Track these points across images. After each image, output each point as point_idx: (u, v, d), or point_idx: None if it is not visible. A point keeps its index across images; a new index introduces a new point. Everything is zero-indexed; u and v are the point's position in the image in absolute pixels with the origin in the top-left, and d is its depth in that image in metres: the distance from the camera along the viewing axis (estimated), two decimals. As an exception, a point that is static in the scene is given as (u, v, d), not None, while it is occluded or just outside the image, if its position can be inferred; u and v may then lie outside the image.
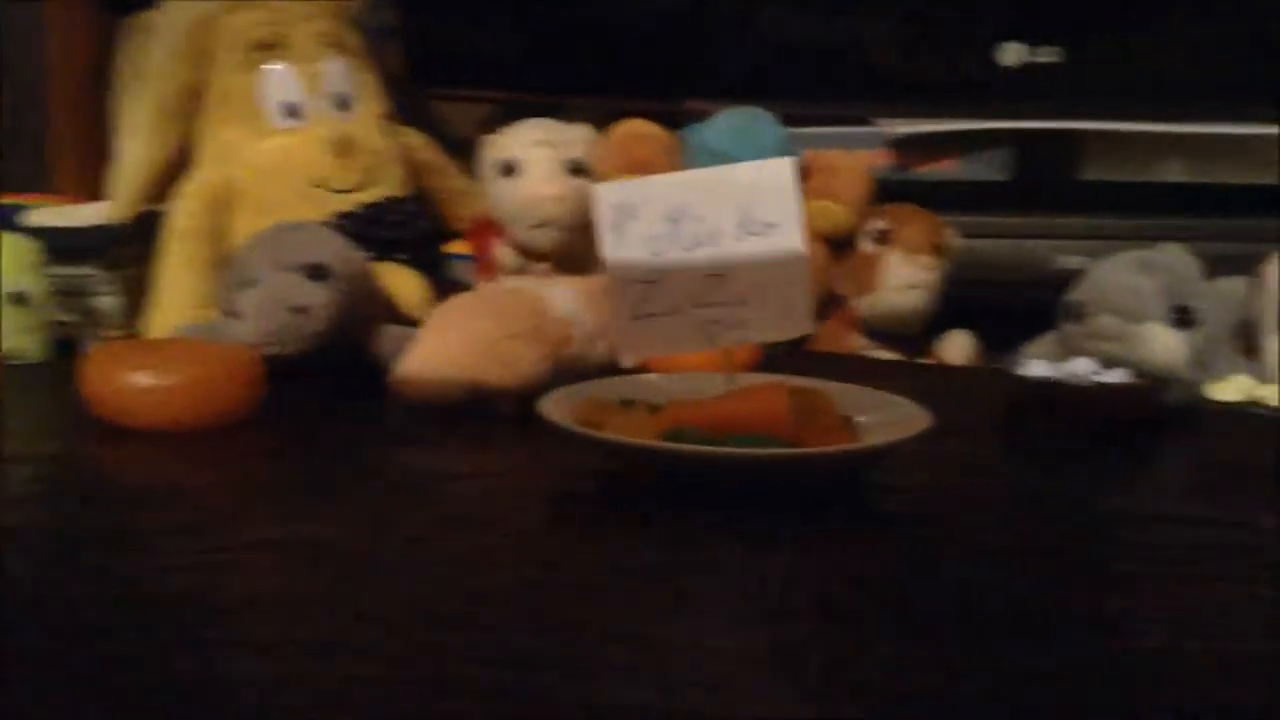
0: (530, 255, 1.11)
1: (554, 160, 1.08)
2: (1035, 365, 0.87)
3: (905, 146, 1.26)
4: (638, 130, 1.11)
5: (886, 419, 0.77)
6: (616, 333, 0.74)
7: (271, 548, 0.62)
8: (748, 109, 1.10)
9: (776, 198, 0.71)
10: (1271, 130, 1.22)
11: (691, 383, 0.81)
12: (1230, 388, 0.86)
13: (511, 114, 1.45)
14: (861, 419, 0.77)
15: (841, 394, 0.80)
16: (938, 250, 1.11)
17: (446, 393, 0.83)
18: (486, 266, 1.14)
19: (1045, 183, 1.31)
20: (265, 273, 0.90)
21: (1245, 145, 1.24)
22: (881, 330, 1.13)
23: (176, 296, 1.10)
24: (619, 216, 0.72)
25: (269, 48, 1.14)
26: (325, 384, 0.91)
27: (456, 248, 1.19)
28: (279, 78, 1.15)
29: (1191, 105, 1.26)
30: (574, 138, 1.10)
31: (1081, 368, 0.86)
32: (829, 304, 1.13)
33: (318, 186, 1.14)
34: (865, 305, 1.12)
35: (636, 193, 0.72)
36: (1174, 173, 1.30)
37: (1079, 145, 1.30)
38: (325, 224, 1.05)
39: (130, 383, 0.80)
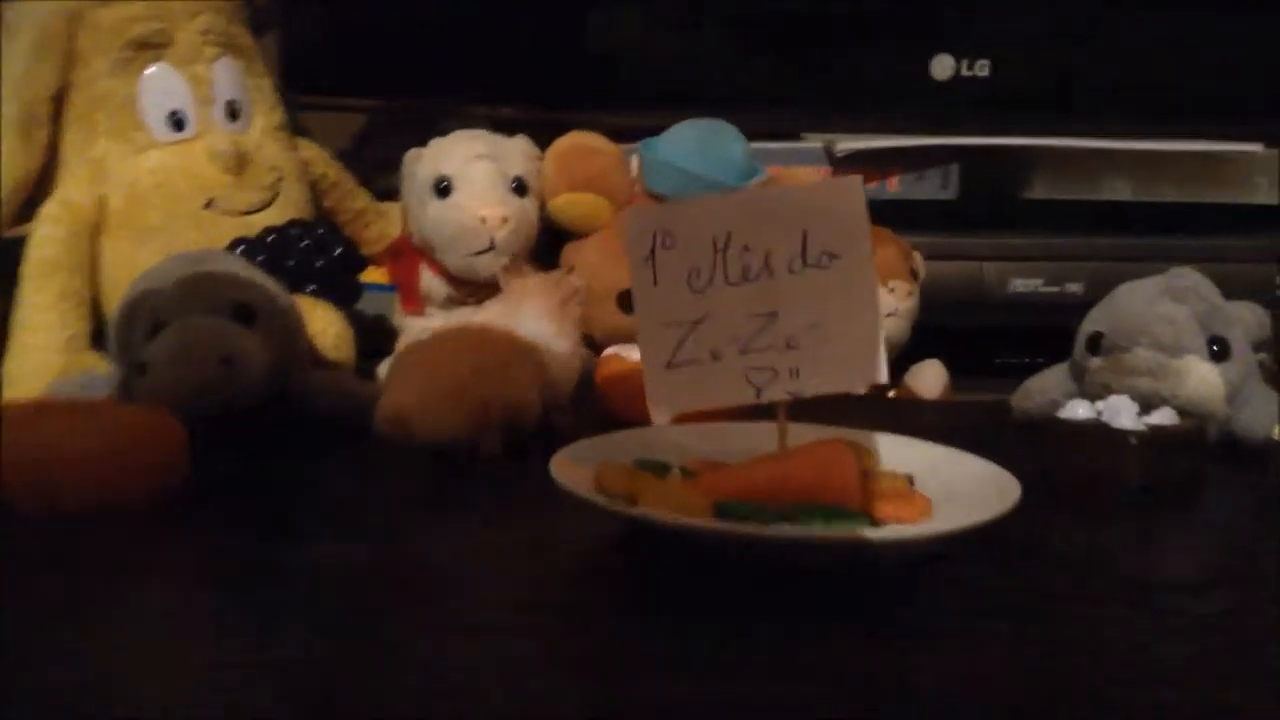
0: (464, 285, 0.97)
1: (495, 177, 0.94)
2: (1076, 406, 0.77)
3: (850, 164, 1.16)
4: (582, 144, 0.98)
5: (949, 477, 0.66)
6: (648, 385, 0.62)
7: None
8: (708, 120, 0.98)
9: (842, 223, 0.59)
10: (1223, 147, 1.17)
11: (712, 438, 0.70)
12: (1297, 426, 0.79)
13: (400, 123, 1.30)
14: (919, 478, 0.67)
15: (880, 446, 0.70)
16: (911, 275, 1.02)
17: (436, 433, 0.70)
18: (411, 298, 0.99)
19: (992, 202, 1.24)
20: (180, 315, 0.74)
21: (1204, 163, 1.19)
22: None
23: (41, 339, 0.93)
24: (653, 245, 0.59)
25: (149, 47, 0.97)
26: (255, 444, 0.76)
27: (371, 277, 1.04)
28: (161, 82, 0.98)
29: (1141, 122, 1.20)
30: (514, 151, 0.97)
31: (1123, 407, 0.77)
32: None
33: (208, 208, 0.98)
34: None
35: (675, 217, 0.60)
36: (1123, 191, 1.24)
37: (1025, 163, 1.23)
38: (225, 253, 0.90)
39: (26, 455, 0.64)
